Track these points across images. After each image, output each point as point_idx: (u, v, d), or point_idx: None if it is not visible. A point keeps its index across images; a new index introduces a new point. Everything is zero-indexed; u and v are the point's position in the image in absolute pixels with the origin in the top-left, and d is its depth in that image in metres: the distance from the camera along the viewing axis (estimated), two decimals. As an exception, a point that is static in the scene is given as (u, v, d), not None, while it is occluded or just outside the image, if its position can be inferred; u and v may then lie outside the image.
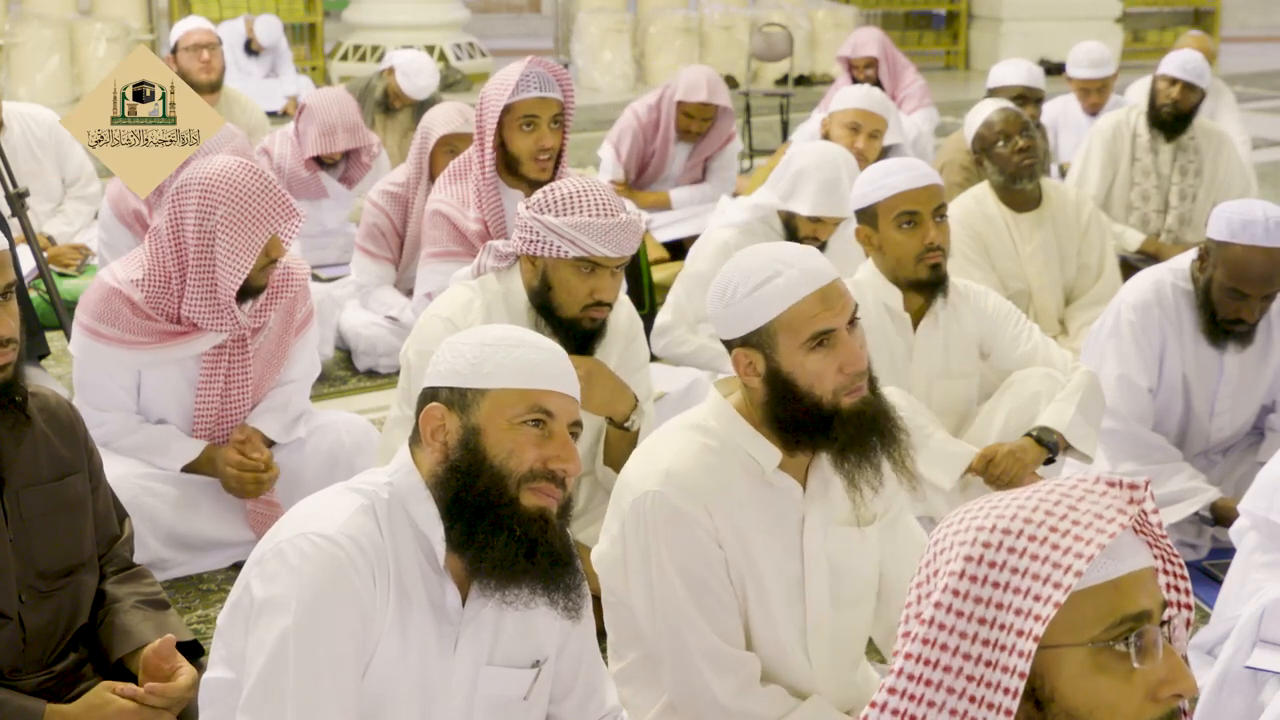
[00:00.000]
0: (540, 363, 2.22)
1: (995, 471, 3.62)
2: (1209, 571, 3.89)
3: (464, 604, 2.23)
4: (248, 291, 3.78)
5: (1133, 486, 1.44)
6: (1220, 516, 3.87)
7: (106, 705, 2.73)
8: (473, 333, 2.29)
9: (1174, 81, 6.06)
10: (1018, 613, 1.41)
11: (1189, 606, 1.53)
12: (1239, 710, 2.78)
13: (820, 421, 2.51)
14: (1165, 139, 6.13)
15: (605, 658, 2.79)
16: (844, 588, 2.65)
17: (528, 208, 3.41)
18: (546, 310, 3.42)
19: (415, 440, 2.25)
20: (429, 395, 2.24)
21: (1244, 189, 6.16)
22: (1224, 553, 3.73)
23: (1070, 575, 1.39)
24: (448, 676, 2.24)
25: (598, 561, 2.69)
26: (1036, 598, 1.40)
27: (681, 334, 4.76)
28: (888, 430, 2.55)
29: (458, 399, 2.20)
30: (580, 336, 3.43)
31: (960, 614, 1.44)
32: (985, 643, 1.43)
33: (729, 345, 2.58)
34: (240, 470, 3.84)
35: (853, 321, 2.53)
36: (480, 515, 2.16)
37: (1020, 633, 1.40)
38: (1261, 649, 2.79)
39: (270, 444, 3.96)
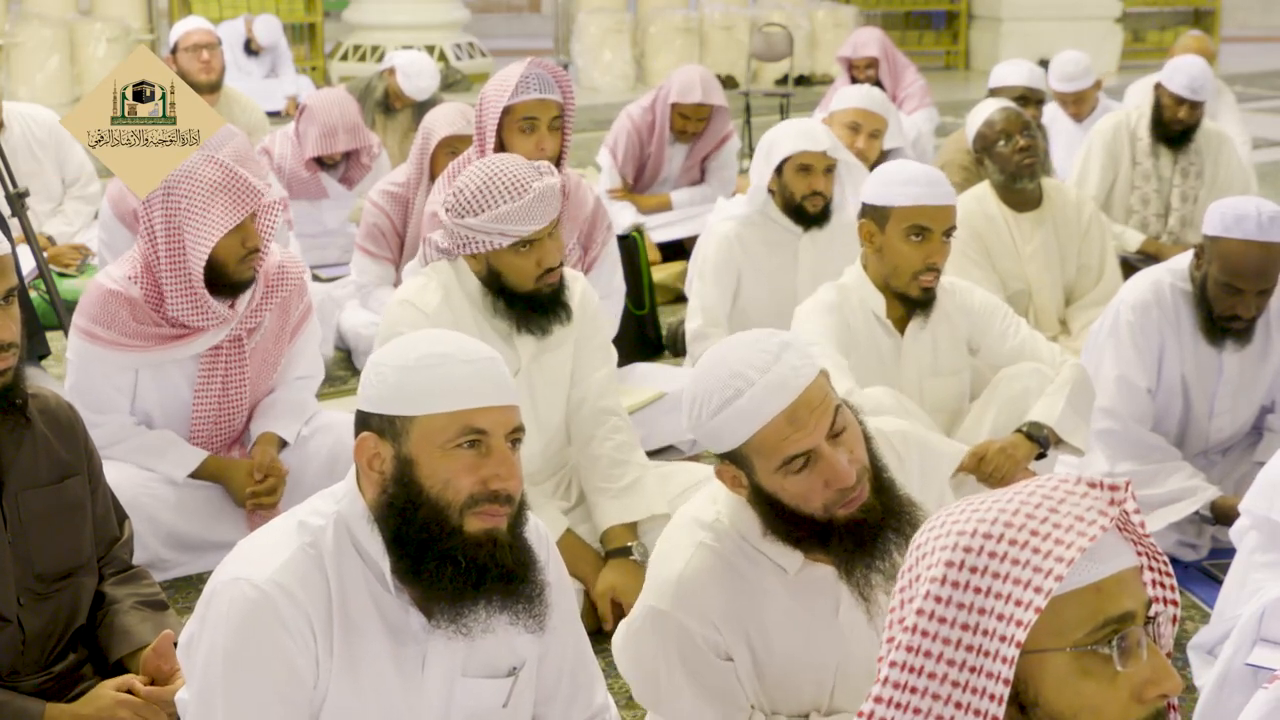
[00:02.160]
0: (465, 379, 2.09)
1: (987, 469, 3.60)
2: (1209, 571, 3.88)
3: (431, 619, 2.16)
4: (232, 286, 3.79)
5: (1113, 488, 1.43)
6: (1220, 515, 3.87)
7: (105, 704, 2.73)
8: (395, 351, 2.15)
9: (1181, 102, 6.05)
10: (1000, 618, 1.40)
11: (1175, 603, 1.52)
12: (1240, 709, 2.77)
13: (818, 535, 2.30)
14: (1168, 147, 6.13)
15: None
16: None
17: (447, 213, 3.51)
18: (505, 293, 3.53)
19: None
20: (361, 421, 2.16)
21: (1244, 189, 6.16)
22: (1224, 553, 3.72)
23: (1051, 580, 1.38)
24: (419, 696, 2.19)
25: (618, 648, 2.62)
26: (1018, 603, 1.39)
27: (717, 341, 4.76)
28: (901, 526, 2.30)
29: (388, 426, 2.11)
30: (542, 303, 3.54)
31: (943, 620, 1.43)
32: (969, 648, 1.42)
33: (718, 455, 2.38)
34: (259, 490, 3.85)
35: (838, 433, 2.27)
36: (425, 549, 2.09)
37: (1003, 638, 1.39)
38: (1262, 647, 2.79)
39: (283, 446, 3.99)
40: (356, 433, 2.16)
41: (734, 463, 2.34)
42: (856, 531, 2.29)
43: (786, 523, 2.32)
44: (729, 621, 2.39)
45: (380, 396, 2.13)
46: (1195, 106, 6.06)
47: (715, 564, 2.39)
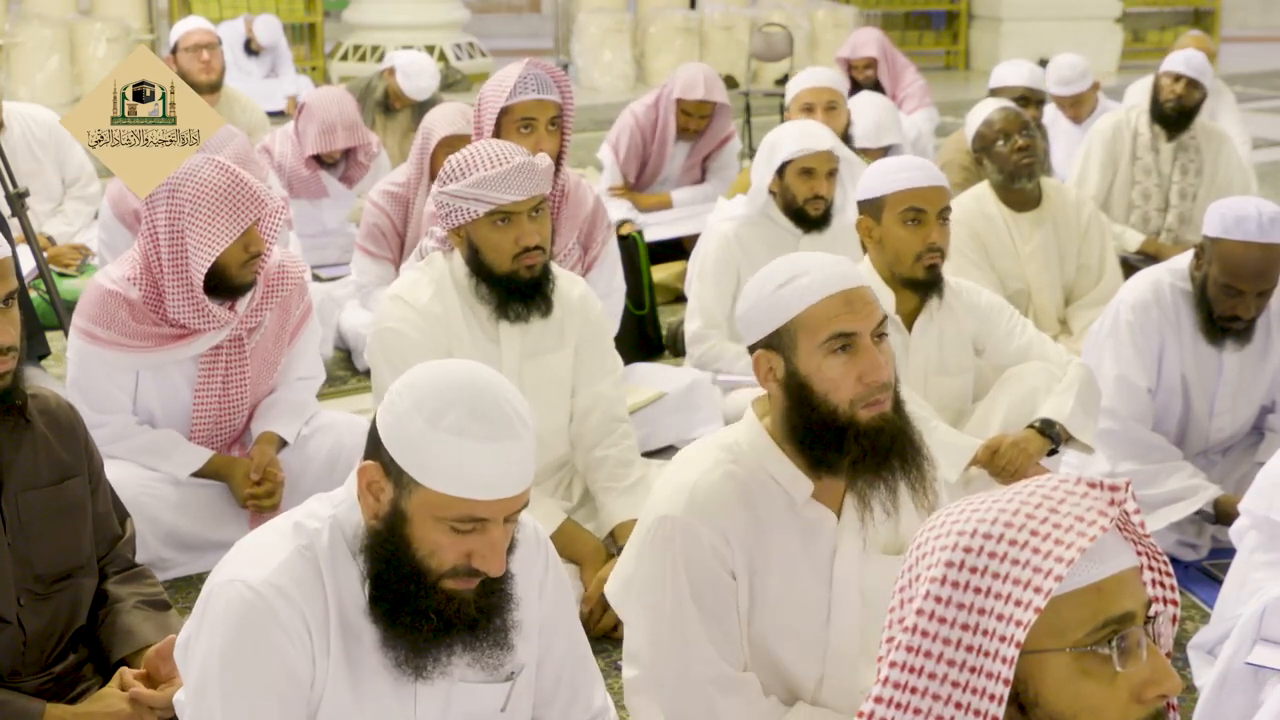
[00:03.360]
0: (483, 468, 2.02)
1: (1000, 463, 3.61)
2: (1209, 571, 3.88)
3: (394, 661, 2.14)
4: (233, 288, 3.78)
5: (1113, 488, 1.43)
6: (1222, 514, 3.87)
7: (106, 705, 2.73)
8: (427, 392, 2.05)
9: (1178, 78, 6.12)
10: (999, 618, 1.40)
11: (1175, 602, 1.52)
12: (1240, 708, 2.78)
13: (835, 433, 2.40)
14: (1167, 136, 6.16)
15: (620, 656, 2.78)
16: (880, 616, 2.61)
17: (436, 186, 3.56)
18: (485, 272, 3.55)
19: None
20: (373, 443, 2.09)
21: (1244, 188, 6.18)
22: (1224, 553, 3.73)
23: (1050, 580, 1.38)
24: (415, 700, 2.19)
25: (616, 579, 2.64)
26: (1018, 603, 1.39)
27: (717, 343, 4.78)
28: (908, 454, 2.43)
29: (395, 472, 2.06)
30: (523, 288, 3.55)
31: (943, 620, 1.43)
32: (969, 648, 1.42)
33: (751, 349, 2.50)
34: (257, 492, 3.85)
35: (880, 334, 2.44)
36: (401, 603, 2.09)
37: (1003, 638, 1.39)
38: (1262, 646, 2.79)
39: (283, 445, 3.99)
40: (369, 449, 2.11)
41: (774, 348, 2.45)
42: (874, 436, 2.40)
43: (810, 418, 2.41)
44: (737, 539, 2.45)
45: (400, 439, 2.05)
46: (1193, 85, 6.11)
47: (730, 482, 2.46)
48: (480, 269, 3.56)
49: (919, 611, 1.43)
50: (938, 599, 1.43)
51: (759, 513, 2.47)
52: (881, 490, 2.43)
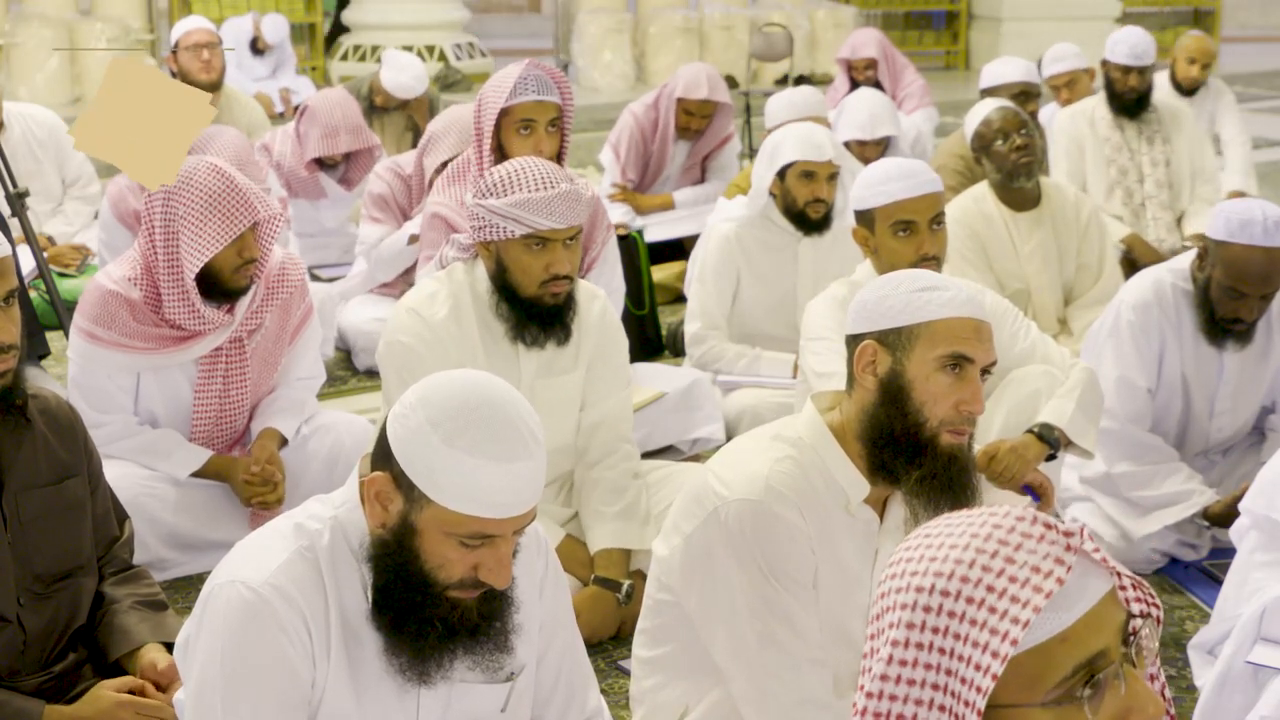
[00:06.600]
0: (496, 490, 2.02)
1: (997, 469, 3.59)
2: (1209, 571, 3.88)
3: (396, 666, 2.15)
4: (227, 292, 3.78)
5: (1068, 534, 1.37)
6: (1212, 521, 3.88)
7: (105, 705, 2.73)
8: (442, 409, 2.04)
9: (1128, 70, 6.34)
10: (962, 681, 1.36)
11: (1156, 606, 1.45)
12: (1240, 708, 2.78)
13: (913, 445, 2.46)
14: (1128, 118, 6.40)
15: (630, 646, 2.78)
16: None
17: (472, 195, 3.47)
18: (508, 292, 3.47)
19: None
20: (383, 454, 2.08)
21: (1203, 160, 6.48)
22: (1224, 553, 3.72)
23: (1006, 644, 1.33)
24: (416, 700, 2.20)
25: (661, 561, 2.64)
26: (976, 666, 1.35)
27: (716, 344, 4.77)
28: (967, 490, 2.48)
29: (406, 486, 2.06)
30: (544, 314, 3.48)
31: (910, 682, 1.39)
32: (940, 709, 1.38)
33: (858, 338, 2.51)
34: (259, 485, 3.85)
35: (987, 373, 2.51)
36: (406, 612, 2.10)
37: (966, 703, 1.35)
38: (1262, 646, 2.79)
39: (284, 443, 3.99)
40: (377, 460, 2.11)
41: (886, 344, 2.47)
42: (946, 462, 2.45)
43: (894, 421, 2.45)
44: (811, 523, 2.49)
45: (414, 455, 2.04)
46: (1143, 72, 6.37)
47: (798, 474, 2.50)
48: (504, 288, 3.48)
49: (889, 659, 1.40)
50: (902, 662, 1.39)
51: (820, 506, 2.51)
52: (932, 512, 2.44)
